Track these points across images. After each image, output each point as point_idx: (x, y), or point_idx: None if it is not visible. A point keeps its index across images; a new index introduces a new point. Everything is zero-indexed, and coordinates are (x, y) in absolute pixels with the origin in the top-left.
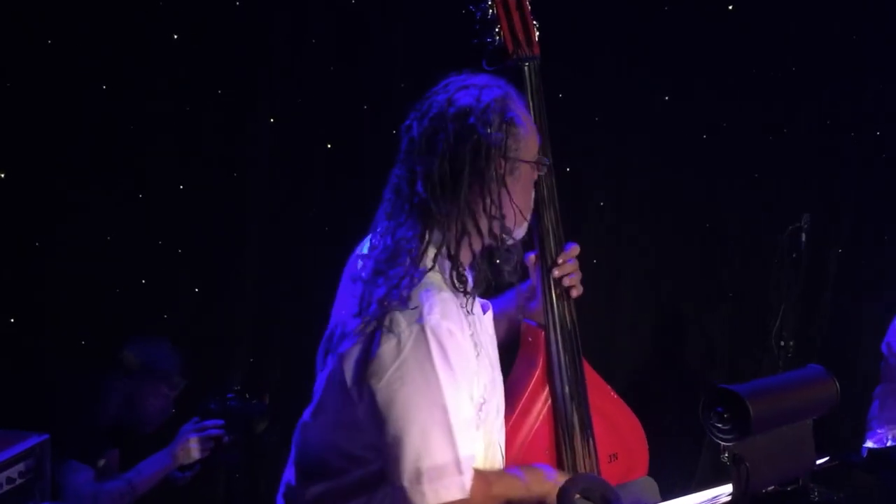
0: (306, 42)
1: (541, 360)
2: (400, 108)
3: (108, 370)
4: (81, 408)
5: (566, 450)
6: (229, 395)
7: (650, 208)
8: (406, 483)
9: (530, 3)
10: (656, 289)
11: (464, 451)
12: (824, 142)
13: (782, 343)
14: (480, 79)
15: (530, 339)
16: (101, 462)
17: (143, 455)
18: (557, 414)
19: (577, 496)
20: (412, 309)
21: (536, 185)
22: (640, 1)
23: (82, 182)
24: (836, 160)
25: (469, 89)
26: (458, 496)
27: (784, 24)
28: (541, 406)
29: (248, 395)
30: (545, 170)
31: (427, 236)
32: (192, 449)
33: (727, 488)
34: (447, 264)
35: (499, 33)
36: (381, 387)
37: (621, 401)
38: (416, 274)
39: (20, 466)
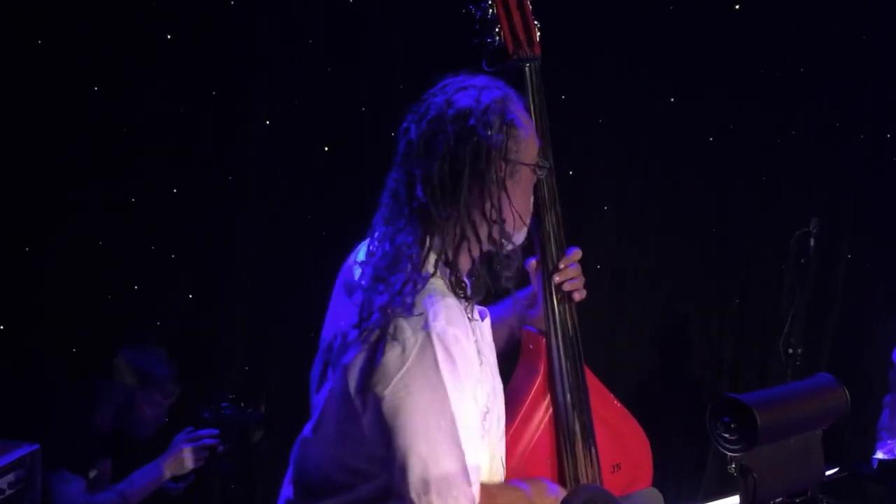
0: (303, 42)
1: (542, 367)
2: (398, 110)
3: (101, 378)
4: (73, 417)
5: (568, 459)
6: (224, 404)
7: (654, 212)
8: (413, 495)
9: (531, 3)
10: (660, 294)
11: (471, 461)
12: (833, 144)
13: (790, 351)
14: (479, 80)
15: (531, 345)
16: (93, 472)
17: (136, 465)
18: (559, 422)
19: None
20: (417, 315)
21: (537, 187)
22: (644, 0)
23: (73, 185)
24: (845, 163)
25: (468, 90)
26: None
27: (791, 25)
28: (542, 414)
29: (243, 404)
30: (545, 172)
31: (428, 241)
32: (186, 459)
33: (734, 500)
34: (447, 270)
35: (499, 33)
36: (385, 396)
37: (625, 409)
38: (419, 280)
39: (10, 477)
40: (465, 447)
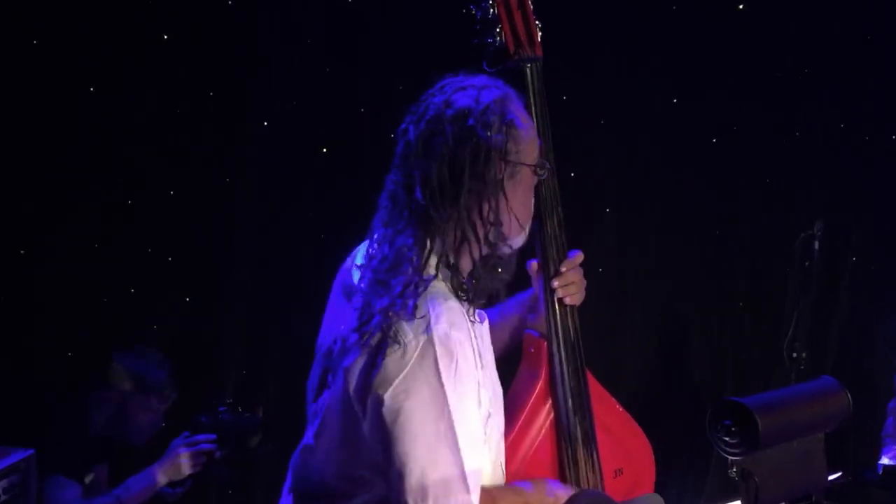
0: (301, 42)
1: (543, 371)
2: (398, 111)
3: (96, 383)
4: (69, 421)
5: (569, 464)
6: (221, 409)
7: (657, 214)
8: (410, 501)
9: (532, 3)
10: (663, 297)
11: (470, 466)
12: (837, 146)
13: (794, 354)
14: (478, 80)
15: (532, 349)
16: (89, 477)
17: (133, 470)
18: (560, 428)
19: None
20: (419, 319)
21: (538, 189)
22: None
23: (69, 187)
24: (851, 165)
25: (467, 90)
26: None
27: (796, 25)
28: (543, 419)
29: (240, 409)
30: (546, 174)
31: (428, 244)
32: (183, 464)
33: None
34: (449, 273)
35: (500, 33)
36: (385, 400)
37: (627, 414)
38: (420, 283)
39: (4, 483)
40: (464, 453)
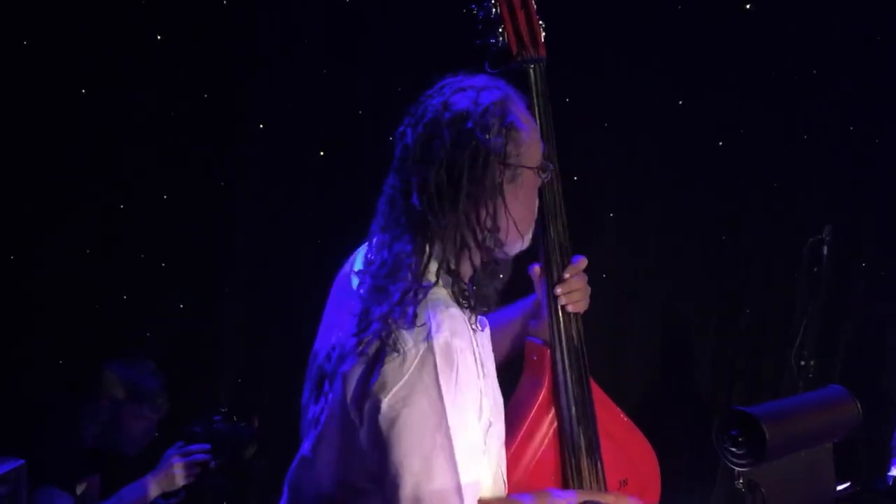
0: (297, 43)
1: (546, 379)
2: (397, 113)
3: (88, 391)
4: (60, 431)
5: (573, 475)
6: (216, 418)
7: (662, 219)
8: None
9: (536, 2)
10: (669, 304)
11: (466, 478)
12: (847, 149)
13: (802, 362)
14: (478, 80)
15: (535, 357)
16: (81, 488)
17: (125, 481)
18: (563, 437)
19: None
20: (419, 327)
21: (542, 193)
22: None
23: (59, 191)
24: (859, 168)
25: (466, 92)
26: None
27: (805, 26)
28: (546, 428)
29: (235, 418)
30: (549, 176)
31: (427, 250)
32: (177, 475)
33: None
34: (449, 279)
35: (502, 34)
36: (382, 408)
37: (632, 423)
38: (420, 290)
39: None
40: (461, 464)
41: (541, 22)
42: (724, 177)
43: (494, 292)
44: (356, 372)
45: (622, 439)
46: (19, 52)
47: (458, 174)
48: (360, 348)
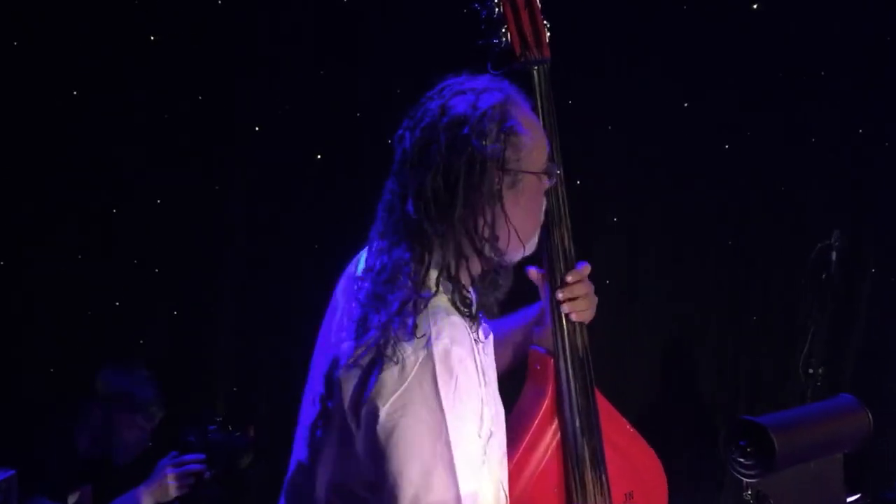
0: (294, 43)
1: (549, 390)
2: (396, 114)
3: (81, 400)
4: (51, 441)
5: (577, 487)
6: (211, 427)
7: (668, 224)
8: None
9: (540, 2)
10: (674, 312)
11: (466, 489)
12: (856, 152)
13: (811, 371)
14: (479, 82)
15: (538, 366)
16: (73, 499)
17: (118, 491)
18: (567, 448)
19: None
20: (419, 337)
21: (546, 197)
22: (657, 1)
23: (50, 196)
24: (869, 172)
25: (465, 94)
26: None
27: (813, 26)
28: (549, 440)
29: (231, 427)
30: (555, 180)
31: (426, 258)
32: (171, 485)
33: None
34: (450, 286)
35: (505, 34)
36: (380, 416)
37: (638, 434)
38: (419, 299)
39: None
40: (461, 475)
41: (545, 22)
42: (731, 181)
43: (496, 301)
44: (354, 378)
45: (627, 451)
46: (12, 55)
47: (455, 180)
48: (358, 354)
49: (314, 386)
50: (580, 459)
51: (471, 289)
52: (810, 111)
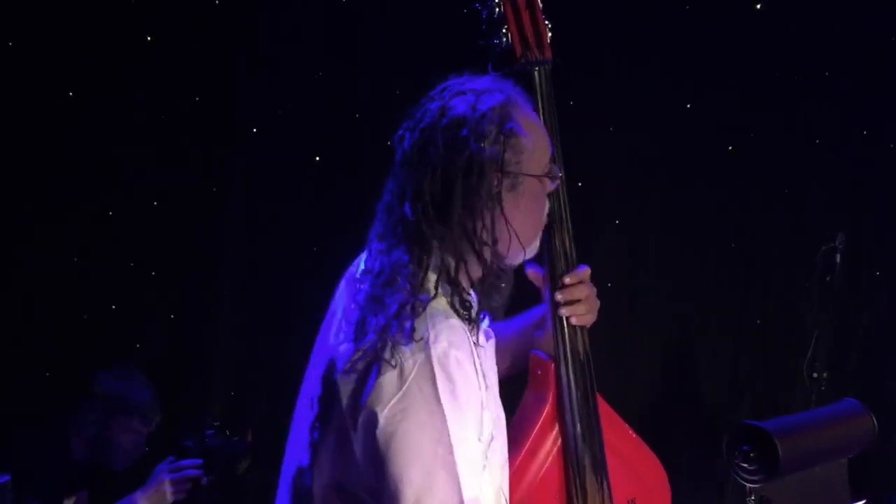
0: (294, 43)
1: (550, 395)
2: (396, 115)
3: (76, 404)
4: (47, 445)
5: (577, 493)
6: (208, 432)
7: (670, 226)
8: None
9: (542, 2)
10: (677, 315)
11: (467, 494)
12: (861, 154)
13: (815, 374)
14: (480, 82)
15: (539, 371)
16: None
17: (114, 497)
18: (568, 454)
19: None
20: (417, 341)
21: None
22: (660, 1)
23: (46, 198)
24: (874, 174)
25: (465, 95)
26: None
27: (813, 26)
28: (550, 446)
29: (228, 432)
30: (558, 181)
31: (424, 260)
32: (167, 491)
33: None
34: (449, 289)
35: (506, 34)
36: (379, 421)
37: (640, 440)
38: (417, 303)
39: None
40: (463, 479)
41: (547, 22)
42: (732, 181)
43: (496, 305)
44: (352, 383)
45: (630, 456)
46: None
47: (453, 182)
48: (356, 357)
49: (311, 387)
50: (581, 465)
51: (472, 292)
52: (811, 111)
